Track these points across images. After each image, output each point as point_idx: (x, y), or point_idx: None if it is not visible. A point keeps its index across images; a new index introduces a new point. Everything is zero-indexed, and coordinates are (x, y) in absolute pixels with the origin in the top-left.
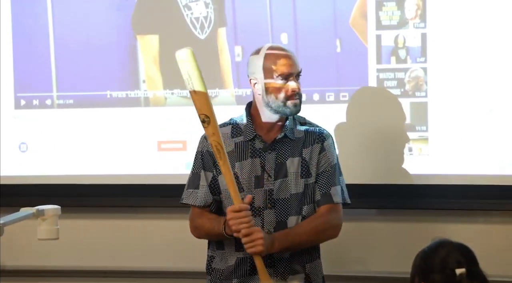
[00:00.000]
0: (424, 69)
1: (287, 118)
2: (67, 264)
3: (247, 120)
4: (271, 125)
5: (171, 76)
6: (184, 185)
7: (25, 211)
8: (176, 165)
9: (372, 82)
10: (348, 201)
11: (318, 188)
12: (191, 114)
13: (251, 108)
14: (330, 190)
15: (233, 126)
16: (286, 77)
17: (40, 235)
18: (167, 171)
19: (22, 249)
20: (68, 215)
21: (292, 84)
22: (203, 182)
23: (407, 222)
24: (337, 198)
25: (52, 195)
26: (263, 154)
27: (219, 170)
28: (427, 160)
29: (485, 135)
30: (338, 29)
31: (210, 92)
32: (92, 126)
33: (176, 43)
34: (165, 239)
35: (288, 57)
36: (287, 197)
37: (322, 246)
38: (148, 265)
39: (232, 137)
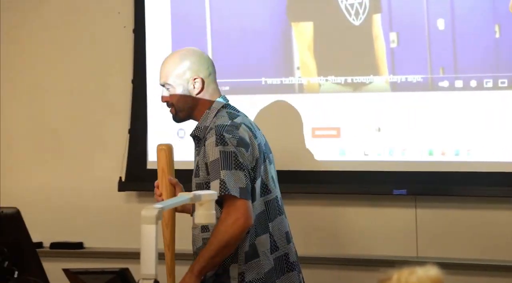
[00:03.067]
0: None
1: None
2: None
3: None
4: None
5: (325, 63)
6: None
7: (182, 196)
8: (329, 151)
9: None
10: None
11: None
12: (345, 101)
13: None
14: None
15: None
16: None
17: (198, 219)
18: (320, 157)
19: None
20: None
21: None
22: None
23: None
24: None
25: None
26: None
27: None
28: None
29: None
30: (496, 14)
31: (364, 78)
32: (247, 113)
33: (330, 29)
34: (311, 225)
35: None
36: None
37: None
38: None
39: None
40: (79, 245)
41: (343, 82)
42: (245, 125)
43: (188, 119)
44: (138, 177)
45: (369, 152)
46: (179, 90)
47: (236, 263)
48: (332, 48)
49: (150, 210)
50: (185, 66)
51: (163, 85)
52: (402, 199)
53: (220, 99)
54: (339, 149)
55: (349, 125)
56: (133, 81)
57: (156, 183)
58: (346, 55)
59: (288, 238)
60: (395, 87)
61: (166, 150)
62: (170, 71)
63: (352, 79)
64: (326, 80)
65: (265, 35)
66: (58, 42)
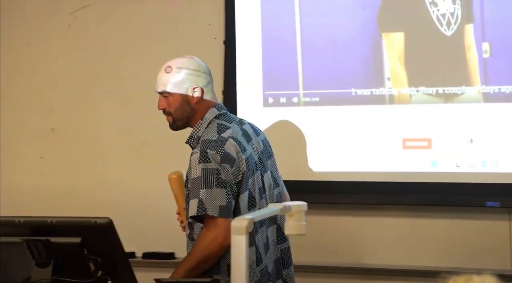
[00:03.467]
0: None
1: None
2: (312, 259)
3: None
4: None
5: (416, 73)
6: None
7: (272, 207)
8: (420, 163)
9: None
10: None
11: None
12: (437, 112)
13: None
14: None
15: None
16: None
17: (288, 230)
18: (411, 169)
19: None
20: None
21: None
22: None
23: None
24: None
25: (300, 192)
26: None
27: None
28: None
29: None
30: None
31: (456, 89)
32: (337, 124)
33: (421, 40)
34: (404, 236)
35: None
36: None
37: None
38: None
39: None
40: (171, 255)
41: (434, 93)
42: (233, 139)
43: (185, 128)
44: None
45: (461, 163)
46: (177, 99)
47: (219, 274)
48: (423, 59)
49: (241, 221)
50: (184, 75)
51: (161, 93)
52: (495, 211)
53: (214, 109)
54: (430, 160)
55: (441, 136)
56: (223, 92)
57: (176, 210)
58: (437, 66)
59: (266, 249)
60: (487, 98)
61: (176, 179)
62: (168, 79)
63: (443, 90)
64: (417, 90)
65: (355, 46)
66: (148, 54)
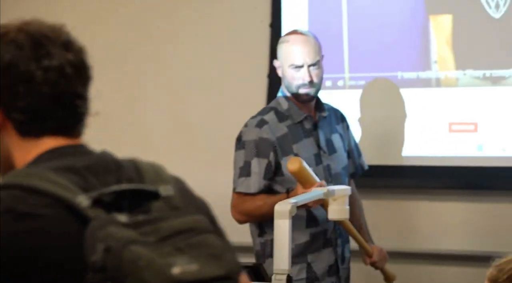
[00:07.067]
0: None
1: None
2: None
3: (289, 104)
4: (308, 106)
5: (463, 57)
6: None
7: (316, 191)
8: (467, 147)
9: None
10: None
11: (352, 160)
12: (484, 95)
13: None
14: (360, 160)
15: (275, 111)
16: (297, 66)
17: (331, 215)
18: (458, 153)
19: None
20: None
21: (301, 74)
22: (255, 169)
23: None
24: (366, 165)
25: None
26: (313, 132)
27: (278, 153)
28: None
29: None
30: None
31: (504, 72)
32: (385, 106)
33: (469, 22)
34: (453, 221)
35: (302, 45)
36: (340, 171)
37: None
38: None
39: (280, 121)
40: None
41: (481, 76)
42: None
43: None
44: None
45: (508, 147)
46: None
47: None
48: (471, 42)
49: (284, 204)
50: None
51: (314, 64)
52: None
53: None
54: (476, 144)
55: (488, 120)
56: (269, 76)
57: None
58: (485, 49)
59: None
60: None
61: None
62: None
63: (491, 73)
64: (464, 74)
65: (402, 28)
66: (194, 38)
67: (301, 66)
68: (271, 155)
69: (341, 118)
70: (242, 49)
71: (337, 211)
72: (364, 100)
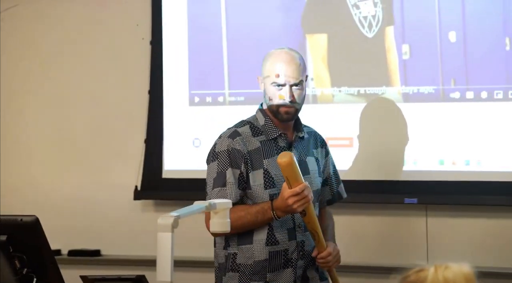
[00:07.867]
0: None
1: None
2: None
3: (265, 120)
4: (285, 125)
5: (338, 74)
6: None
7: (198, 204)
8: (342, 161)
9: None
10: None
11: (330, 187)
12: (358, 111)
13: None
14: (339, 188)
15: (250, 126)
16: (280, 84)
17: (213, 227)
18: None
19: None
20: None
21: (283, 92)
22: (230, 180)
23: None
24: (345, 193)
25: None
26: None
27: (248, 166)
28: None
29: None
30: (507, 27)
31: (377, 89)
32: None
33: (344, 41)
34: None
35: (287, 64)
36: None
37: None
38: None
39: (254, 136)
40: (97, 253)
41: (356, 93)
42: None
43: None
44: (153, 186)
45: (383, 161)
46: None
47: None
48: (345, 60)
49: (166, 218)
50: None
51: (297, 84)
52: (413, 208)
53: None
54: (352, 158)
55: (362, 134)
56: (149, 92)
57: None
58: (359, 67)
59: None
60: (407, 98)
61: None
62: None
63: (365, 90)
64: (340, 91)
65: (280, 46)
66: (77, 54)
67: (283, 85)
68: (242, 166)
69: (321, 144)
70: (124, 65)
71: (218, 224)
72: None
